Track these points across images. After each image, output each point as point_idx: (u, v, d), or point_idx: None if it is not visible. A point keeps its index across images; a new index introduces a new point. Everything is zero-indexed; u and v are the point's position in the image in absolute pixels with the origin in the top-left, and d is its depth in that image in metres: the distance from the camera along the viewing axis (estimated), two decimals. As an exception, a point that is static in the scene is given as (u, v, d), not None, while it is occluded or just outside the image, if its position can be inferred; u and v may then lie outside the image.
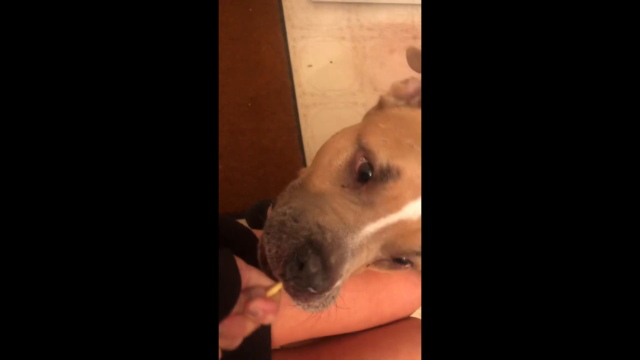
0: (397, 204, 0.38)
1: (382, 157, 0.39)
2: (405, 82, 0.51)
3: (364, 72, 1.19)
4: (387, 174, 0.38)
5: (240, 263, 0.35)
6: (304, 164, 1.09)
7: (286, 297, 0.46)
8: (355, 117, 1.15)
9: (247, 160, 1.05)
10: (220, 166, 1.02)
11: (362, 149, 0.40)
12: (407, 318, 0.55)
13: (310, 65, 1.16)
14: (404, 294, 0.52)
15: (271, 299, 0.40)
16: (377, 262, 0.42)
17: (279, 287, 0.38)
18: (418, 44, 1.32)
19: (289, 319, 0.48)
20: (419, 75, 0.50)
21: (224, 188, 1.02)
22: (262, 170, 1.07)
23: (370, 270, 0.50)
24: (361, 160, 0.40)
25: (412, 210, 0.38)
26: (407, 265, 0.42)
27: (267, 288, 0.39)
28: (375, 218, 0.38)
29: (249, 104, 1.08)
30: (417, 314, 0.56)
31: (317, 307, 0.39)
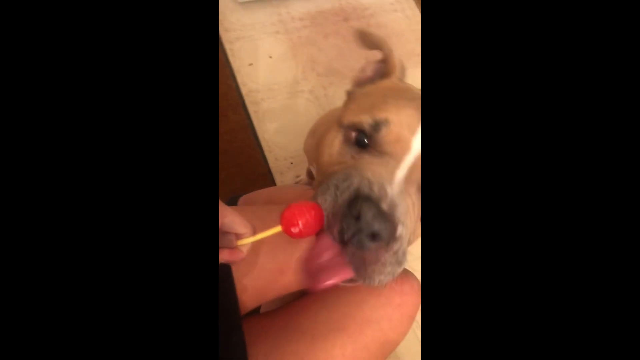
0: (403, 145, 0.40)
1: (366, 118, 0.42)
2: (362, 70, 0.55)
3: (304, 61, 1.22)
4: (379, 126, 0.41)
5: (220, 205, 0.38)
6: (264, 159, 1.10)
7: (250, 258, 0.47)
8: (304, 104, 1.17)
9: (207, 165, 1.06)
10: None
11: (348, 127, 0.44)
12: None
13: (251, 64, 1.18)
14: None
15: (238, 248, 0.43)
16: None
17: (251, 239, 0.41)
18: (349, 25, 1.36)
19: (255, 278, 0.49)
20: (370, 54, 0.53)
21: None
22: (224, 173, 1.08)
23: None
24: (354, 134, 0.43)
25: (419, 143, 0.40)
26: None
27: (239, 237, 0.42)
28: (397, 163, 0.40)
29: (198, 111, 1.09)
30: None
31: (388, 272, 0.37)
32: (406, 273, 0.54)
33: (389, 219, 0.35)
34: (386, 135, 0.41)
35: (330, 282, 0.37)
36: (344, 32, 1.28)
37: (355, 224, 0.35)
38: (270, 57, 1.21)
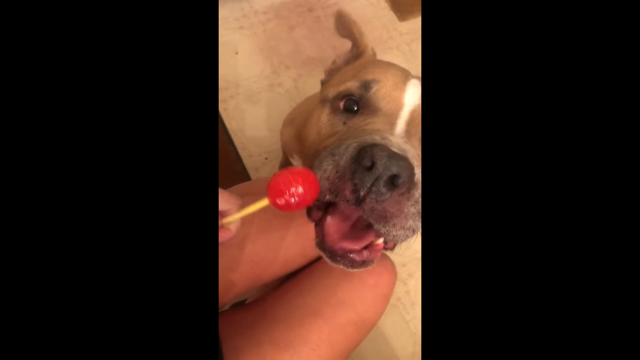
0: (396, 100, 0.40)
1: (352, 82, 0.41)
2: (333, 62, 0.56)
3: (271, 54, 1.22)
4: (369, 85, 0.40)
5: None
6: (238, 157, 1.09)
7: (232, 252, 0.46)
8: (274, 97, 1.17)
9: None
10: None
11: (334, 98, 0.42)
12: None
13: (217, 62, 1.17)
14: (329, 219, 0.54)
15: (225, 227, 0.38)
16: None
17: (238, 215, 0.37)
18: (314, 15, 1.35)
19: (226, 270, 0.48)
20: (339, 43, 0.54)
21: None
22: (198, 173, 1.07)
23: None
24: (342, 102, 0.41)
25: (410, 99, 0.40)
26: None
27: (225, 214, 0.37)
28: (395, 118, 0.38)
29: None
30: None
31: (410, 225, 0.33)
32: (379, 253, 0.54)
33: (403, 158, 0.31)
34: (377, 92, 0.39)
35: (364, 253, 0.34)
36: (309, 23, 1.28)
37: (369, 174, 0.31)
38: (237, 53, 1.20)
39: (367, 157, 0.31)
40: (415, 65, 1.28)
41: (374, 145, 0.31)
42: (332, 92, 0.44)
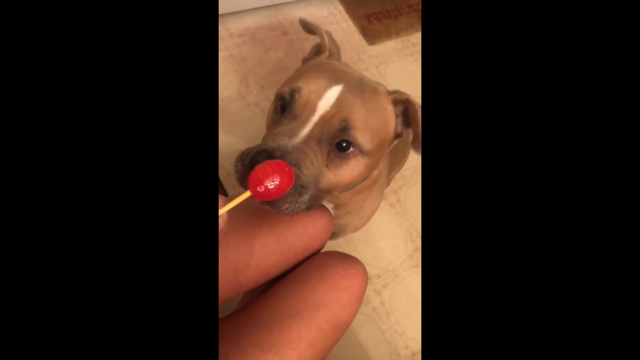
0: (310, 107, 0.50)
1: (285, 87, 0.52)
2: (304, 60, 0.66)
3: (247, 75, 1.26)
4: (293, 94, 0.51)
5: None
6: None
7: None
8: (251, 117, 1.20)
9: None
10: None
11: (277, 98, 0.54)
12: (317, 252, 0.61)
13: (194, 82, 1.20)
14: (308, 226, 0.58)
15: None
16: (330, 161, 0.51)
17: (223, 210, 0.40)
18: (288, 38, 1.41)
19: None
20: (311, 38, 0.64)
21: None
22: (176, 190, 1.08)
23: (274, 215, 0.55)
24: (279, 103, 0.53)
25: (323, 105, 0.50)
26: (350, 150, 0.51)
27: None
28: (303, 124, 0.50)
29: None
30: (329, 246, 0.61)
31: (290, 200, 0.46)
32: (351, 258, 0.58)
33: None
34: (299, 99, 0.51)
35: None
36: (284, 46, 1.34)
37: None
38: (214, 74, 1.23)
39: (255, 159, 0.44)
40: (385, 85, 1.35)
41: (258, 153, 0.45)
42: (277, 91, 0.55)
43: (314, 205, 0.52)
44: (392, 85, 1.43)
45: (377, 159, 0.57)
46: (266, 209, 0.52)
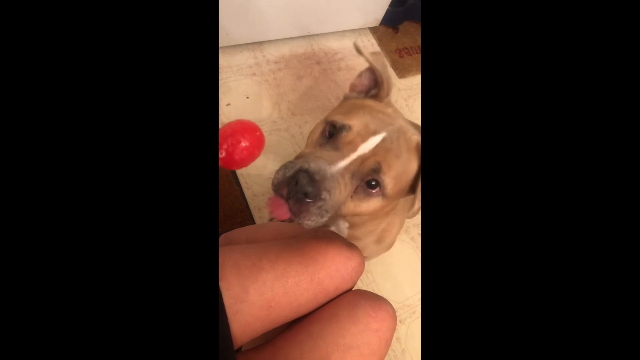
0: (353, 146, 0.58)
1: (338, 119, 0.61)
2: (360, 75, 0.72)
3: (279, 101, 1.29)
4: (342, 128, 0.59)
5: None
6: (242, 195, 1.14)
7: (236, 291, 0.51)
8: (280, 141, 1.23)
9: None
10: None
11: (327, 122, 0.62)
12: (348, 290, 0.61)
13: (228, 104, 1.24)
14: (340, 267, 0.59)
15: None
16: (355, 193, 0.60)
17: None
18: (321, 68, 1.44)
19: (245, 314, 0.52)
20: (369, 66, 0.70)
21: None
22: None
23: (307, 254, 0.57)
24: (328, 128, 0.61)
25: (364, 148, 0.58)
26: (376, 189, 0.59)
27: None
28: (343, 157, 0.58)
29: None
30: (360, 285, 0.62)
31: (313, 219, 0.55)
32: (380, 299, 0.59)
33: (316, 185, 0.54)
34: (345, 136, 0.59)
35: (280, 216, 0.57)
36: (316, 74, 1.37)
37: (294, 187, 0.54)
38: (247, 97, 1.27)
39: (295, 178, 0.54)
40: (412, 119, 1.37)
41: (301, 171, 0.54)
42: (330, 116, 0.63)
43: (330, 223, 0.60)
44: (419, 119, 1.44)
45: (393, 205, 0.65)
46: (300, 247, 0.55)
